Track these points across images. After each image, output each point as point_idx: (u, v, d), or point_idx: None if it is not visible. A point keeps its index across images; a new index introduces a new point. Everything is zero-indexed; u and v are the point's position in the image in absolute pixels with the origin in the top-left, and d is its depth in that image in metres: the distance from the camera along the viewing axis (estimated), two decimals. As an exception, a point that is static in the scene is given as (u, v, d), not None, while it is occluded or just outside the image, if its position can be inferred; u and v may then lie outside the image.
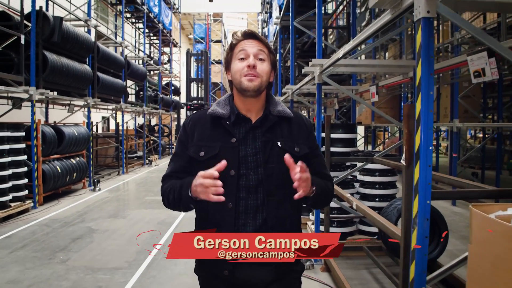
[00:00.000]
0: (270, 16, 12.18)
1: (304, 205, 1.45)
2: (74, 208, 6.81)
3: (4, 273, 3.86)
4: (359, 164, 4.31)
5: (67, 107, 9.16)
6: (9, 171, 5.97)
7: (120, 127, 11.69)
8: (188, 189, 1.33)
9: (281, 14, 8.33)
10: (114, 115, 12.09)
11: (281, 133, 1.41)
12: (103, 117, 12.76)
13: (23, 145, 6.36)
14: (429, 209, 1.65)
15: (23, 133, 6.40)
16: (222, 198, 1.25)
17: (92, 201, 7.45)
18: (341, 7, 8.83)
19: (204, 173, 1.27)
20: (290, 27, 7.00)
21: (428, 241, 1.68)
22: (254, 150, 1.38)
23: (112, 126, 16.02)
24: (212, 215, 1.38)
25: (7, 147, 5.93)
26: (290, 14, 6.66)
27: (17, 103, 7.12)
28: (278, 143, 1.39)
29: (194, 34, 25.23)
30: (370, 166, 4.39)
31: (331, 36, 11.35)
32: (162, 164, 13.96)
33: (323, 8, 8.98)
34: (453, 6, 1.72)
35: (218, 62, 24.59)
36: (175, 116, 19.68)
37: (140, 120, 16.71)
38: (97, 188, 8.46)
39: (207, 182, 1.25)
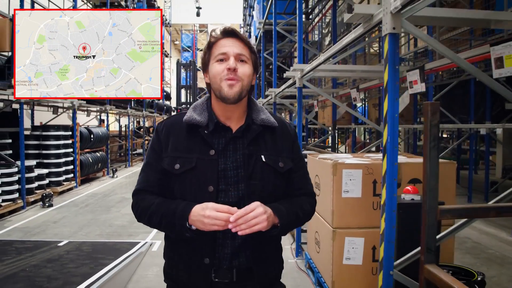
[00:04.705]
0: (250, 37, 14.86)
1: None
2: (105, 187, 9.32)
3: (85, 216, 6.39)
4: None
5: (85, 112, 11.65)
6: (63, 159, 8.45)
7: (126, 128, 14.15)
8: (185, 219, 1.19)
9: (256, 42, 10.99)
10: (118, 118, 14.57)
11: (265, 145, 1.29)
12: (101, 120, 15.18)
13: (70, 141, 8.83)
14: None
15: (70, 132, 8.87)
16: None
17: (115, 183, 9.98)
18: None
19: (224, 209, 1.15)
20: (262, 55, 9.69)
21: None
22: (234, 163, 1.26)
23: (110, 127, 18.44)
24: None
25: (62, 142, 8.41)
26: (261, 47, 9.34)
27: (55, 111, 9.60)
28: (262, 157, 1.27)
29: (182, 43, 27.75)
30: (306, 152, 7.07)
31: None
32: (158, 160, 16.42)
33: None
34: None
35: (204, 69, 27.16)
36: (167, 118, 22.18)
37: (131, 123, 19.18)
38: (115, 176, 10.96)
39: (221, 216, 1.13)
